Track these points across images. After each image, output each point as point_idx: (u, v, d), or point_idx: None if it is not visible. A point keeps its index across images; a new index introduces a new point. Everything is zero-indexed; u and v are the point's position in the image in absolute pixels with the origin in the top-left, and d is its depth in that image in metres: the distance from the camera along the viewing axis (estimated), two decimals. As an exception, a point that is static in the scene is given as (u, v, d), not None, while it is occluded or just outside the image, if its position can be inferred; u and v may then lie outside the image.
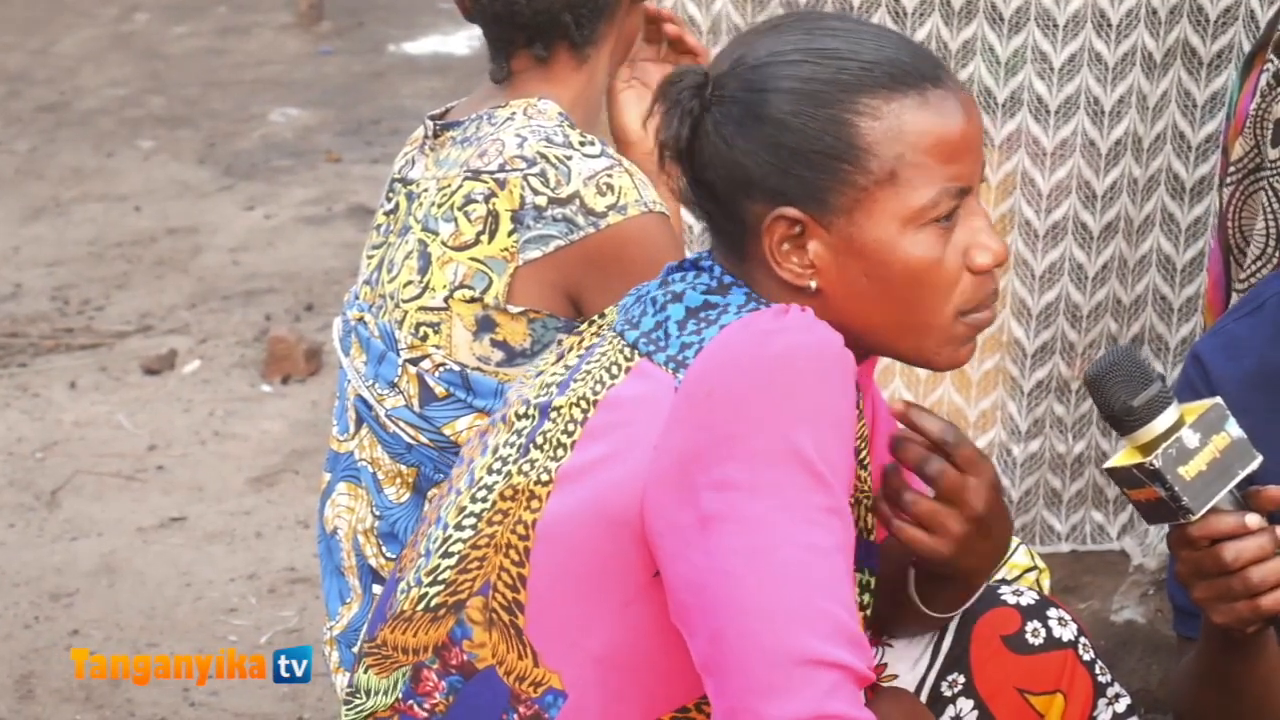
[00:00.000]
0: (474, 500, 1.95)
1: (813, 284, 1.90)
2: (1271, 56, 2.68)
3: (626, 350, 1.92)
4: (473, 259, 2.45)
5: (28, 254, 5.95)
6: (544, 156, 2.44)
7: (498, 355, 2.47)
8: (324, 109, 7.42)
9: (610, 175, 2.43)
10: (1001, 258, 1.93)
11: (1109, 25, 3.17)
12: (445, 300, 2.47)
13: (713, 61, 1.97)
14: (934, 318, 1.93)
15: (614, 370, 1.91)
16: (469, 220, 2.46)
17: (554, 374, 1.97)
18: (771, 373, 1.81)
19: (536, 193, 2.42)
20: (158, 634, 3.71)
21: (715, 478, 1.79)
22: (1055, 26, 3.18)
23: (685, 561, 1.81)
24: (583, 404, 1.90)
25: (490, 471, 1.95)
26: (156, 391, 4.91)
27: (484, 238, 2.45)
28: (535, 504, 1.90)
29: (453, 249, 2.47)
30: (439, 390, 2.48)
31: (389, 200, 2.64)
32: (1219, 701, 2.15)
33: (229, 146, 6.99)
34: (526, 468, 1.91)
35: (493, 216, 2.44)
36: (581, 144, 2.45)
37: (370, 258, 2.64)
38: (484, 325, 2.46)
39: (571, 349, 2.01)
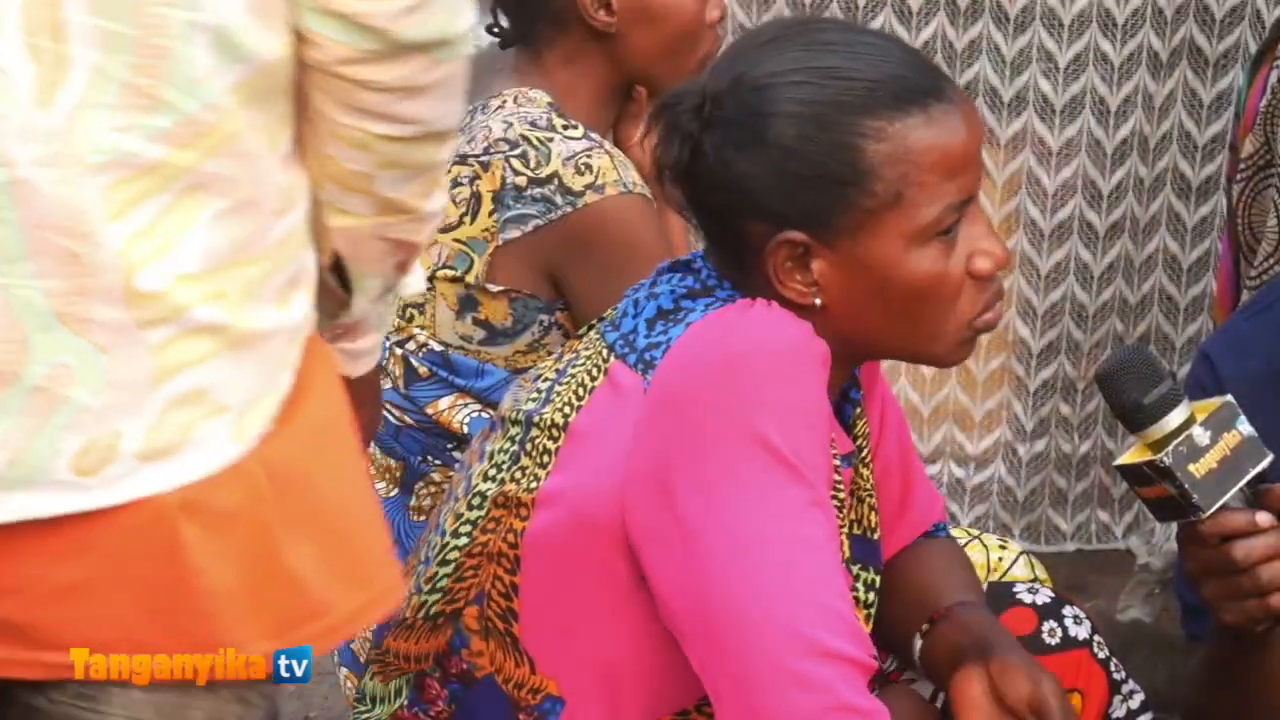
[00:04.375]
0: (470, 508, 1.94)
1: (817, 301, 1.88)
2: (1280, 54, 2.69)
3: (605, 352, 1.90)
4: (455, 240, 2.47)
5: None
6: (526, 139, 2.45)
7: (480, 334, 2.48)
8: (326, 110, 7.41)
9: (590, 156, 2.43)
10: (1003, 262, 1.91)
11: (1114, 25, 3.17)
12: (429, 280, 2.48)
13: (708, 76, 1.93)
14: (941, 327, 1.91)
15: (594, 373, 1.90)
16: (454, 203, 2.47)
17: (546, 378, 1.96)
18: (736, 371, 1.79)
19: (517, 174, 2.44)
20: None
21: (690, 480, 1.78)
22: (1060, 26, 3.18)
23: (672, 565, 1.79)
24: (566, 409, 1.89)
25: (486, 478, 1.94)
26: (159, 392, 4.90)
27: (467, 219, 2.47)
28: (524, 512, 1.88)
29: (438, 231, 2.48)
30: (422, 370, 2.49)
31: None
32: (1228, 701, 2.15)
33: (231, 147, 6.98)
34: (518, 475, 1.90)
35: (476, 198, 2.46)
36: (565, 127, 2.47)
37: None
38: (466, 304, 2.47)
39: (566, 351, 2.00)
